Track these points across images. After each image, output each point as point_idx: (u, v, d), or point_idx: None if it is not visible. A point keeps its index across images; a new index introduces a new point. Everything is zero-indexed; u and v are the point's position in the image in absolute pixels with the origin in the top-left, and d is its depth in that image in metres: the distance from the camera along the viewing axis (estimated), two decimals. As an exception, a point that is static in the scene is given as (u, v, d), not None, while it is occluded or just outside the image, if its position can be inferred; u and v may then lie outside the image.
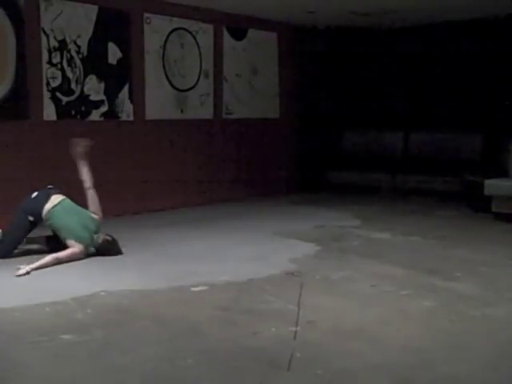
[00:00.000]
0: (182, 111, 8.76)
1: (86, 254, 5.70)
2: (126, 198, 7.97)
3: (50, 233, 5.90)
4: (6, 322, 4.08)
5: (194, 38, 8.87)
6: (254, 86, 9.79)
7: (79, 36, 7.50)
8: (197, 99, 8.96)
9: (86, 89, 7.61)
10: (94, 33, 7.64)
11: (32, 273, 5.20)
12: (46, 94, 7.23)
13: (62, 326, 3.95)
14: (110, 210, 7.74)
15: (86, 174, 6.02)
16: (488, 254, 5.86)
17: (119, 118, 8.01)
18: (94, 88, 7.69)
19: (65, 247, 5.61)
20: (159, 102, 8.45)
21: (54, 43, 7.27)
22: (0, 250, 5.67)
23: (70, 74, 7.42)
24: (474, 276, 5.11)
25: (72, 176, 7.38)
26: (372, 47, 10.48)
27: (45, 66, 7.20)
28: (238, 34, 9.51)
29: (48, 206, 5.72)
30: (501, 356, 3.51)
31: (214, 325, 4.00)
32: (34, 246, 5.94)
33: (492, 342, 3.70)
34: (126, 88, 8.04)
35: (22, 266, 5.20)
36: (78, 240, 5.64)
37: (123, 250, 5.91)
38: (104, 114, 7.83)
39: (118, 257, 5.80)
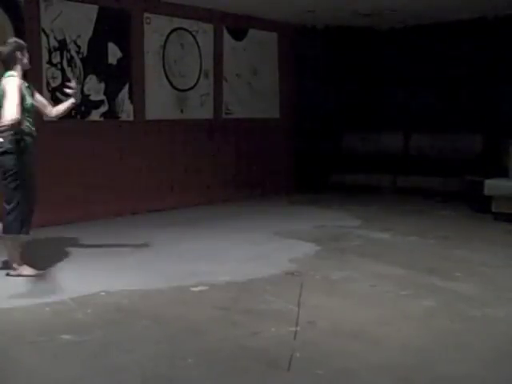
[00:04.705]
0: (182, 111, 8.75)
1: None
2: (125, 198, 7.97)
3: None
4: (6, 322, 4.08)
5: (194, 38, 8.87)
6: (253, 86, 9.78)
7: (79, 36, 7.50)
8: (197, 99, 8.95)
9: (85, 89, 7.61)
10: (94, 33, 7.63)
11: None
12: (46, 94, 7.22)
13: (62, 326, 3.95)
14: (111, 209, 7.77)
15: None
16: (488, 254, 5.87)
17: (119, 118, 8.00)
18: (94, 88, 7.69)
19: None
20: (159, 102, 8.45)
21: (54, 43, 7.26)
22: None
23: (70, 74, 7.41)
24: (474, 276, 5.11)
25: (71, 176, 7.42)
26: (372, 47, 10.48)
27: (45, 65, 7.19)
28: (238, 34, 9.50)
29: None
30: (501, 356, 3.51)
31: (214, 325, 4.00)
32: None
33: (492, 342, 3.70)
34: (126, 88, 8.03)
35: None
36: None
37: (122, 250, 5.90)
38: (104, 114, 7.82)
39: (118, 257, 5.79)
